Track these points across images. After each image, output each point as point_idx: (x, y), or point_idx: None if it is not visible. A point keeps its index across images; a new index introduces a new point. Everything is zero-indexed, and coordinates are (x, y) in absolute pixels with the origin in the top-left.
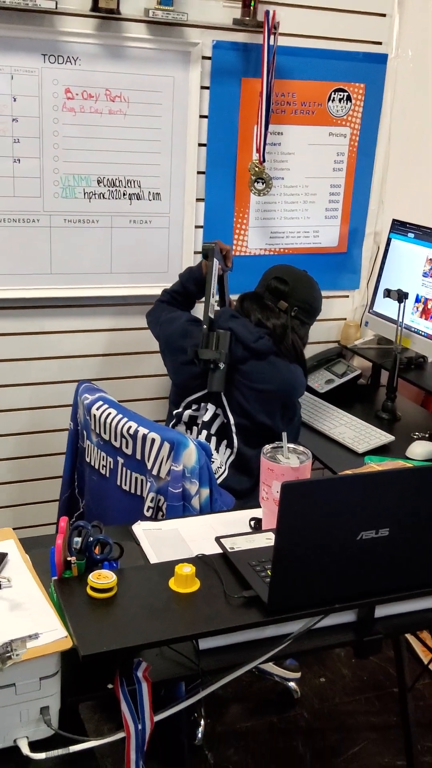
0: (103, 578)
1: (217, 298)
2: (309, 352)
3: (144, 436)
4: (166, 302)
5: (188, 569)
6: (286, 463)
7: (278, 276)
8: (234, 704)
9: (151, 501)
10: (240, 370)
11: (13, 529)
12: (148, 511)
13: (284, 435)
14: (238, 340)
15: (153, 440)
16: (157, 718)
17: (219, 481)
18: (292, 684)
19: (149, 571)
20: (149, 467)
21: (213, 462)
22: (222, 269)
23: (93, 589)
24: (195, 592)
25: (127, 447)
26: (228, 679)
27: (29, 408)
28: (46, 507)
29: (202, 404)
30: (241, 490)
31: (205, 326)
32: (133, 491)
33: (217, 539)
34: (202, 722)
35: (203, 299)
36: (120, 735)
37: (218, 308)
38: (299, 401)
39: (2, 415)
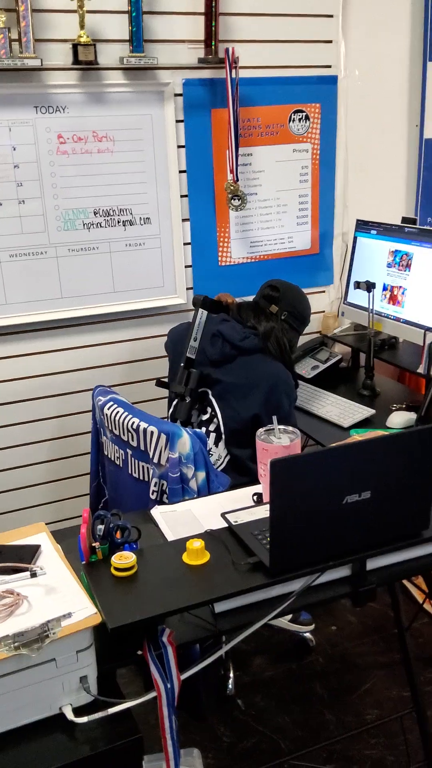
0: (124, 559)
1: (197, 342)
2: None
3: (145, 430)
4: None
5: (198, 544)
6: (278, 442)
7: (271, 284)
8: (257, 656)
9: (155, 485)
10: (228, 368)
11: (52, 522)
12: (153, 494)
13: (275, 418)
14: (226, 339)
15: (152, 432)
16: (183, 677)
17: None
18: (307, 634)
19: (165, 549)
20: (151, 456)
21: (212, 455)
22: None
23: (116, 569)
24: (206, 563)
25: (133, 440)
26: (243, 636)
27: (56, 416)
28: (79, 501)
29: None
30: (236, 485)
31: (182, 364)
32: (141, 478)
33: (223, 515)
34: (231, 674)
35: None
36: (152, 695)
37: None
38: (293, 410)
39: (34, 424)
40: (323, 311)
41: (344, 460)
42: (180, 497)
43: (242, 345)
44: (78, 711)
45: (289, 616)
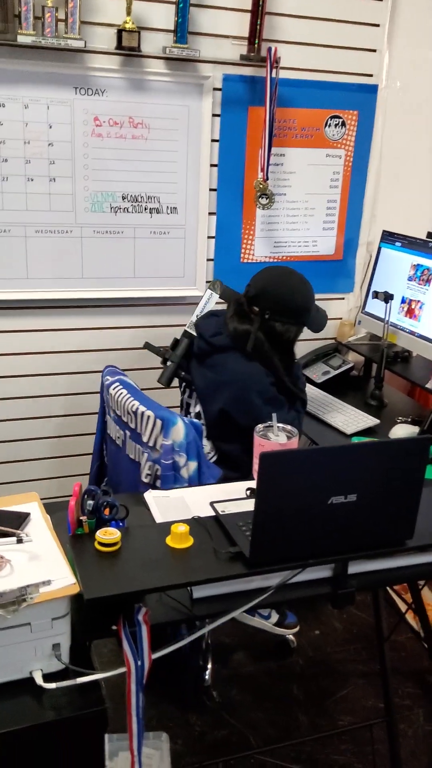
0: (108, 534)
1: (196, 318)
2: (309, 347)
3: (142, 413)
4: None
5: (182, 528)
6: (275, 440)
7: (250, 283)
8: (238, 652)
9: (149, 469)
10: (206, 363)
11: (52, 498)
12: (146, 477)
13: (274, 416)
14: (200, 335)
15: (148, 417)
16: (154, 656)
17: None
18: (289, 635)
19: (150, 530)
20: (145, 440)
21: (204, 446)
22: None
23: (100, 543)
24: (188, 547)
25: (131, 422)
26: (217, 624)
27: (66, 394)
28: (82, 479)
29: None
30: (226, 479)
31: (182, 334)
32: (136, 460)
33: (211, 503)
34: (209, 666)
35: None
36: (121, 670)
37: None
38: (271, 407)
39: (44, 399)
40: (340, 318)
41: (333, 461)
42: (171, 484)
43: (212, 341)
44: (48, 677)
45: (274, 620)
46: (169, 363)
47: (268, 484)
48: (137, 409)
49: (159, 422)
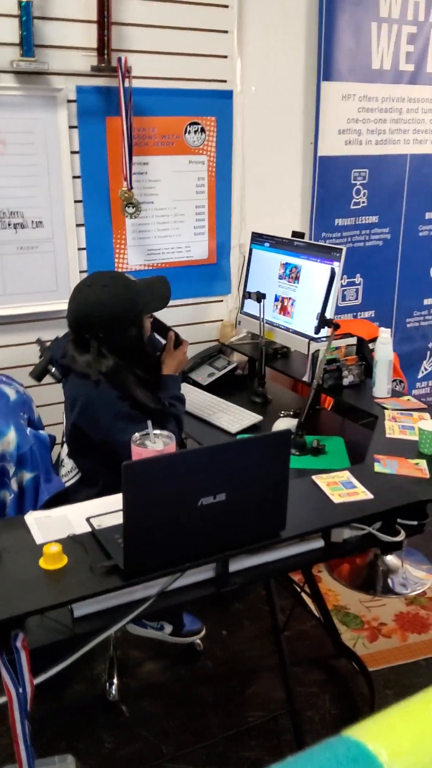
0: None
1: None
2: (193, 351)
3: None
4: None
5: (55, 548)
6: (152, 446)
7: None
8: (147, 663)
9: None
10: (66, 380)
11: None
12: None
13: (149, 423)
14: (52, 358)
15: None
16: (36, 682)
17: (69, 483)
18: (196, 639)
19: (24, 554)
20: None
21: (64, 465)
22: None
23: None
24: (63, 567)
25: None
26: (100, 639)
27: None
28: None
29: None
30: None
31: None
32: None
33: (87, 519)
34: (116, 681)
35: None
36: (2, 699)
37: None
38: (122, 422)
39: None
40: (221, 320)
41: (197, 463)
42: None
43: (62, 362)
44: None
45: (169, 630)
46: (40, 358)
47: (133, 494)
48: None
49: None
